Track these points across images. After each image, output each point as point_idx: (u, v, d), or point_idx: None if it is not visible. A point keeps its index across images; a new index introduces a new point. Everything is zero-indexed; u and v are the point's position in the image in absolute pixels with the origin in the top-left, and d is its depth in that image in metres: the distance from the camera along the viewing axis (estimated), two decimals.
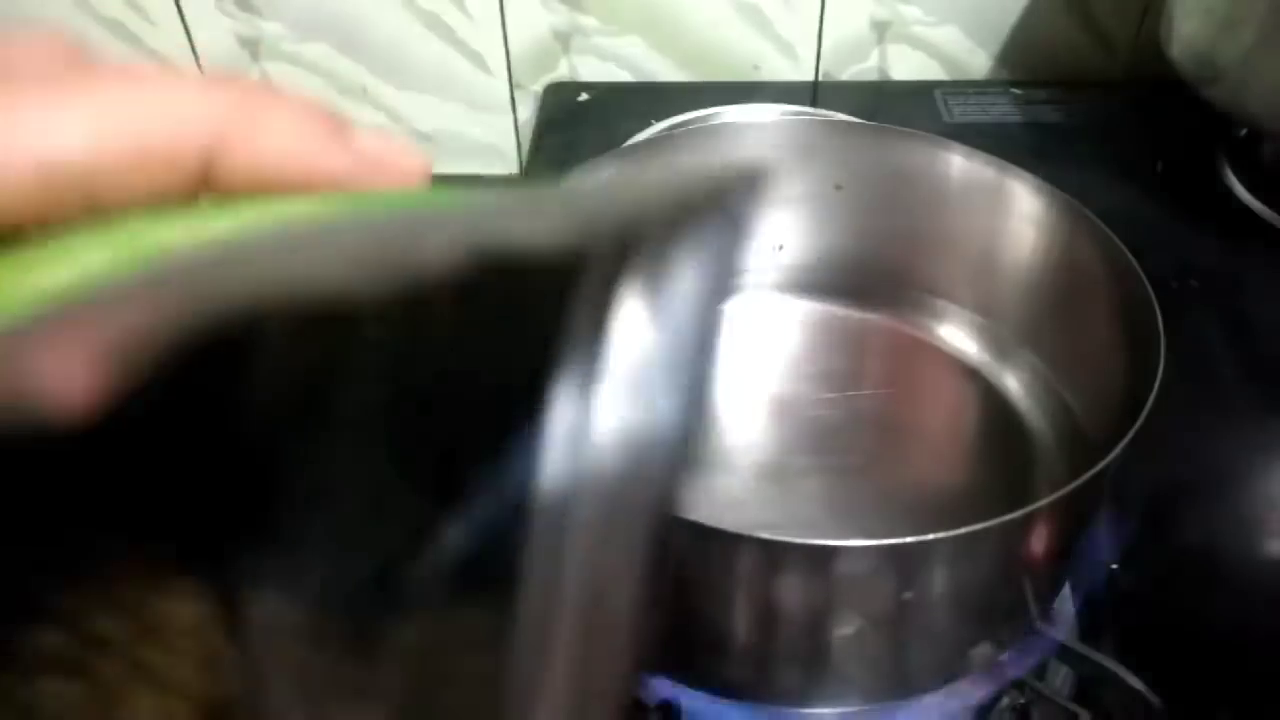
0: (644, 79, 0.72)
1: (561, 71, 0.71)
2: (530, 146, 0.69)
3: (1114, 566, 0.41)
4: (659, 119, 0.65)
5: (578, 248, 0.12)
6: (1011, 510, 0.29)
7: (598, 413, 0.13)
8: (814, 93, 0.71)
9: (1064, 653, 0.37)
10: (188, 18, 0.68)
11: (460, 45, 0.69)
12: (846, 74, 0.72)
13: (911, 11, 0.70)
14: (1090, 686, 0.37)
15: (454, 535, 0.14)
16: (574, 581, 0.13)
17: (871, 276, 0.48)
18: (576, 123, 0.69)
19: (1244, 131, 0.63)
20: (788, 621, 0.32)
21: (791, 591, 0.31)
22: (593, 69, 0.71)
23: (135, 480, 0.14)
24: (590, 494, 0.13)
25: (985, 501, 0.40)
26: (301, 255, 0.10)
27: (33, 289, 0.11)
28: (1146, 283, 0.36)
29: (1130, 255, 0.37)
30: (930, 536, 0.28)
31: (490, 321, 0.14)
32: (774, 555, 0.30)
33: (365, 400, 0.15)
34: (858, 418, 0.44)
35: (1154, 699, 0.34)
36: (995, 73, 0.72)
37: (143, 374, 0.09)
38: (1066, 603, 0.40)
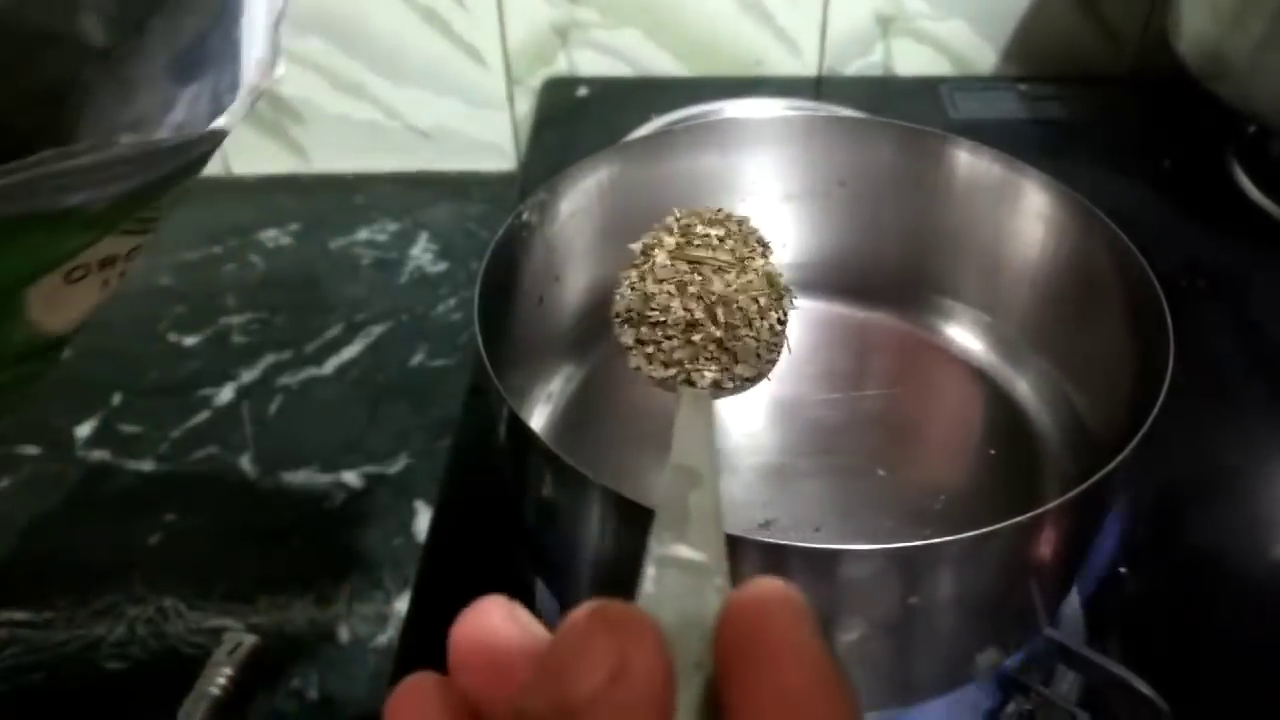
0: (643, 73, 0.71)
1: (560, 66, 0.71)
2: (528, 142, 0.69)
3: (1122, 569, 0.41)
4: (659, 114, 0.65)
5: None
6: (1019, 513, 0.28)
7: None
8: (817, 88, 0.71)
9: (1071, 657, 0.36)
10: None
11: (457, 40, 0.69)
12: (850, 69, 0.72)
13: (916, 6, 0.69)
14: (1097, 691, 0.37)
15: None
16: None
17: (876, 275, 0.47)
18: (575, 118, 0.68)
19: (1253, 128, 0.62)
20: None
21: None
22: (591, 63, 0.71)
23: None
24: None
25: (992, 504, 0.39)
26: None
27: None
28: (1155, 282, 0.36)
29: (1139, 254, 0.37)
30: (936, 540, 0.28)
31: None
32: (777, 558, 0.29)
33: None
34: (862, 418, 0.43)
35: (1162, 704, 0.33)
36: (1001, 68, 0.72)
37: None
38: (1074, 606, 0.39)
